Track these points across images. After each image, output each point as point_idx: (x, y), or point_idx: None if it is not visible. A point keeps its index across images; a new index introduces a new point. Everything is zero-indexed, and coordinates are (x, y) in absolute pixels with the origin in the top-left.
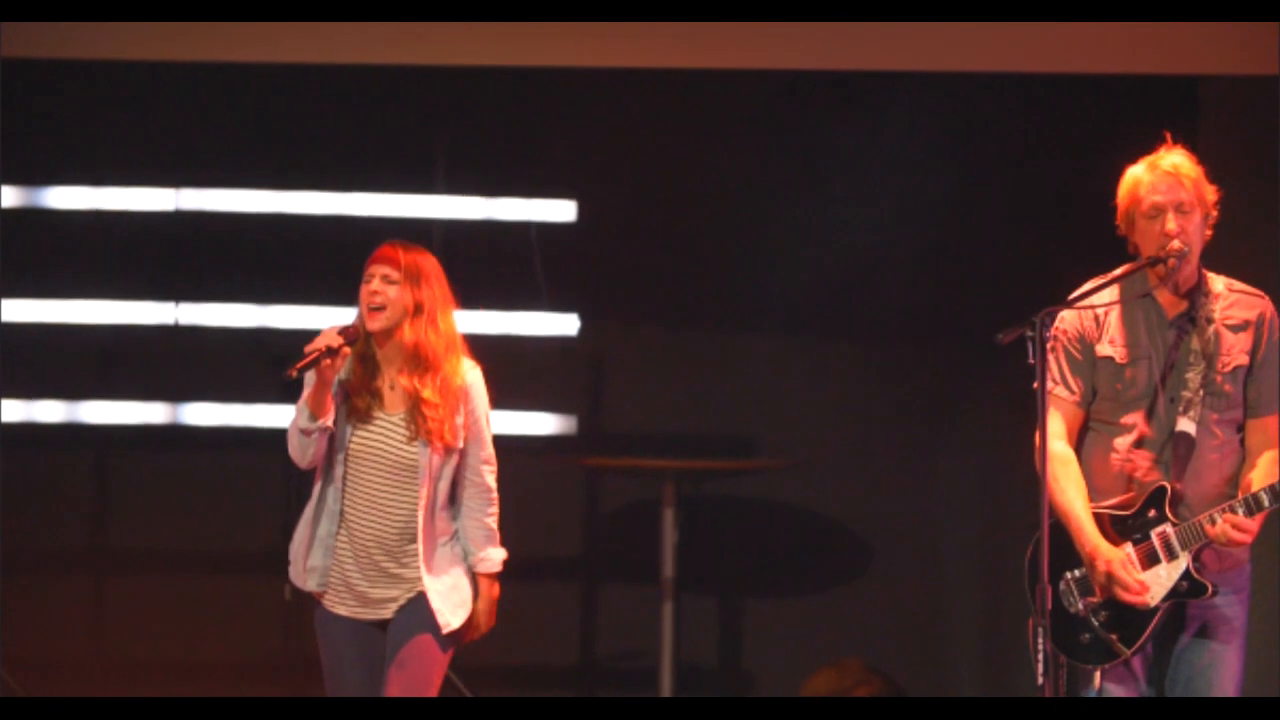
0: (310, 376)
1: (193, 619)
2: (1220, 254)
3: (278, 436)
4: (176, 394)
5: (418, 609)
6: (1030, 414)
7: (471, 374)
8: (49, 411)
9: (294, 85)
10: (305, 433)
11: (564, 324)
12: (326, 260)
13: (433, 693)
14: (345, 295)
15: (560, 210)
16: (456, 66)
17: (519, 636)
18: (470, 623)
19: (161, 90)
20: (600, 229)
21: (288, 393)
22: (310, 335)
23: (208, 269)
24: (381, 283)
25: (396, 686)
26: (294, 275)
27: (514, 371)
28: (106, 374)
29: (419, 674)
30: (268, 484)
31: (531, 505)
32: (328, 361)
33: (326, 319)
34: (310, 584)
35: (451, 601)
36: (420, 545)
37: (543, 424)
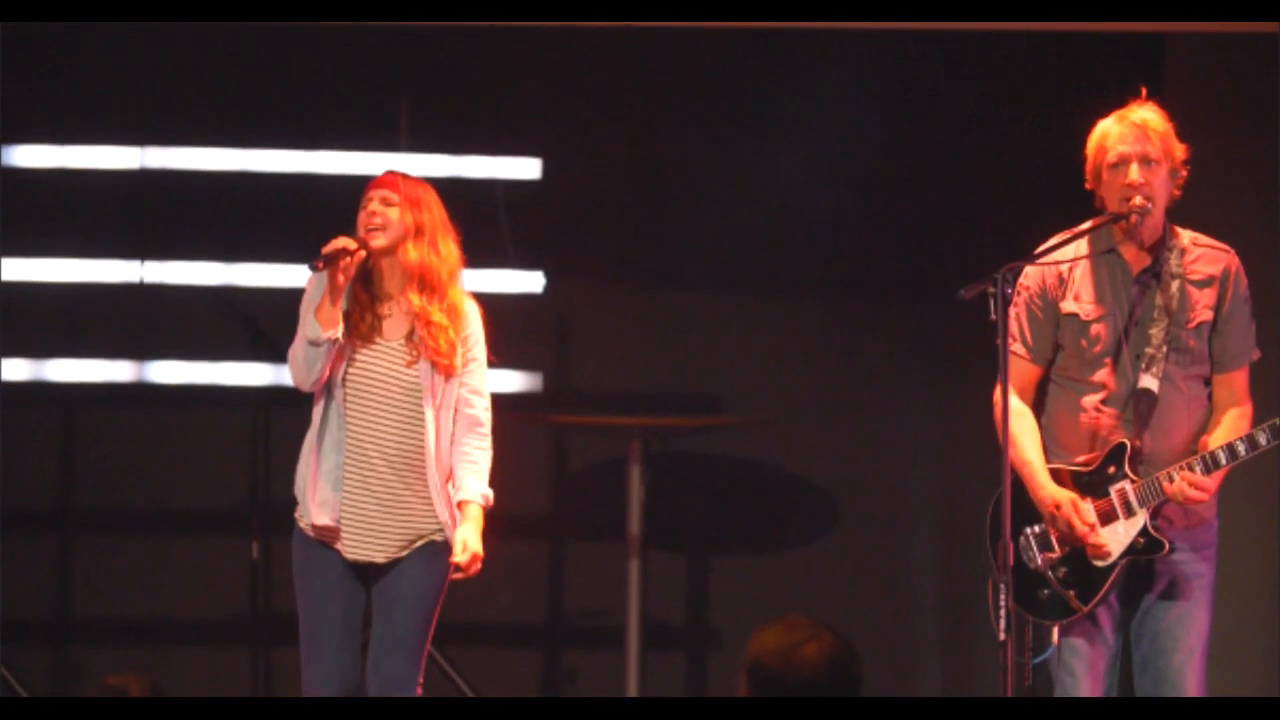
0: (313, 294)
1: (160, 577)
2: (1185, 210)
3: (245, 394)
4: (143, 352)
5: (422, 558)
6: (991, 370)
7: (469, 303)
8: (15, 370)
9: (258, 44)
10: (314, 343)
11: (529, 281)
12: (291, 218)
13: (430, 631)
14: (310, 252)
15: (525, 168)
16: (420, 25)
17: (486, 594)
18: (467, 554)
19: (126, 49)
20: (565, 186)
21: (255, 350)
22: (276, 293)
23: (173, 227)
24: (380, 204)
25: (396, 629)
26: (259, 233)
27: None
28: (72, 332)
29: (421, 620)
30: (235, 441)
31: (498, 463)
32: (345, 260)
33: (292, 277)
34: (322, 518)
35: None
36: (431, 471)
37: (508, 381)
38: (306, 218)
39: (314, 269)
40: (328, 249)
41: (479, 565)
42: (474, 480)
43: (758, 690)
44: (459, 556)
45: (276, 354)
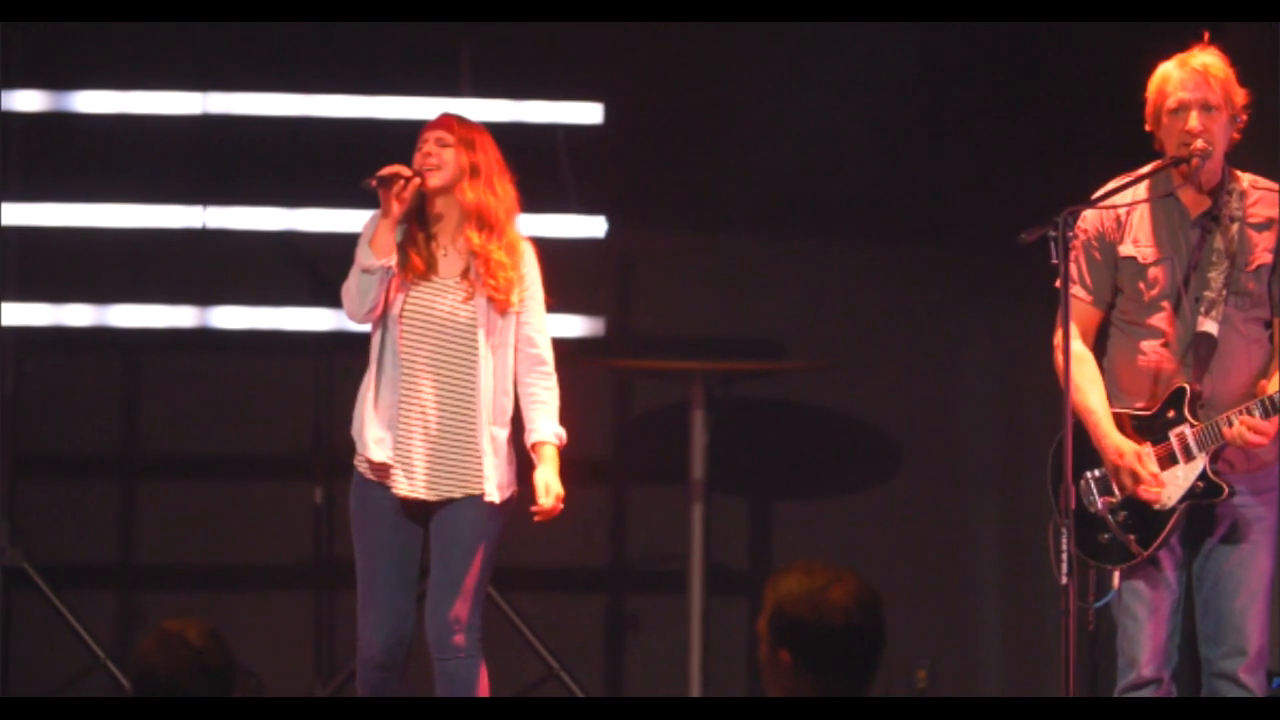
0: (368, 231)
1: (222, 523)
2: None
3: (307, 339)
4: (205, 297)
5: (478, 503)
6: (1052, 314)
7: (525, 243)
8: (77, 315)
9: None
10: (367, 270)
11: (592, 226)
12: (353, 163)
13: (488, 576)
14: (371, 198)
15: (587, 112)
16: None
17: (549, 539)
18: (551, 495)
19: None
20: (627, 131)
21: (317, 295)
22: (337, 237)
23: (235, 172)
24: (436, 145)
25: (453, 572)
26: (321, 178)
27: (541, 274)
28: (135, 277)
29: (479, 564)
30: (298, 387)
31: (560, 408)
32: (399, 185)
33: (353, 222)
34: (380, 454)
35: (501, 477)
36: (484, 406)
37: (571, 326)
38: (368, 163)
39: (365, 186)
40: (383, 171)
41: (561, 505)
42: (545, 420)
43: (783, 639)
44: (544, 499)
45: (338, 299)
